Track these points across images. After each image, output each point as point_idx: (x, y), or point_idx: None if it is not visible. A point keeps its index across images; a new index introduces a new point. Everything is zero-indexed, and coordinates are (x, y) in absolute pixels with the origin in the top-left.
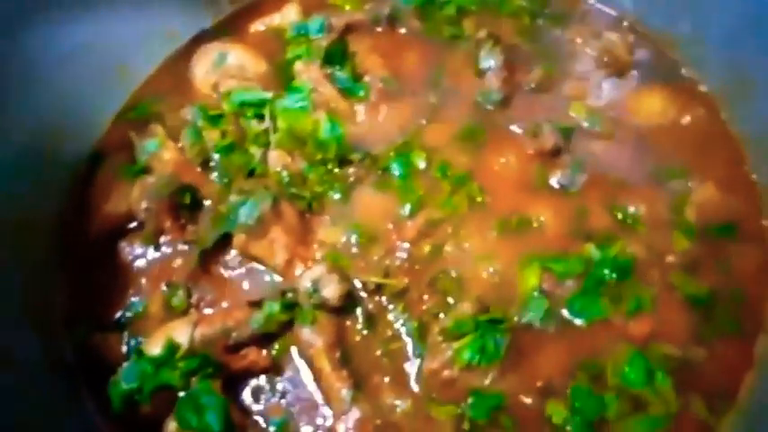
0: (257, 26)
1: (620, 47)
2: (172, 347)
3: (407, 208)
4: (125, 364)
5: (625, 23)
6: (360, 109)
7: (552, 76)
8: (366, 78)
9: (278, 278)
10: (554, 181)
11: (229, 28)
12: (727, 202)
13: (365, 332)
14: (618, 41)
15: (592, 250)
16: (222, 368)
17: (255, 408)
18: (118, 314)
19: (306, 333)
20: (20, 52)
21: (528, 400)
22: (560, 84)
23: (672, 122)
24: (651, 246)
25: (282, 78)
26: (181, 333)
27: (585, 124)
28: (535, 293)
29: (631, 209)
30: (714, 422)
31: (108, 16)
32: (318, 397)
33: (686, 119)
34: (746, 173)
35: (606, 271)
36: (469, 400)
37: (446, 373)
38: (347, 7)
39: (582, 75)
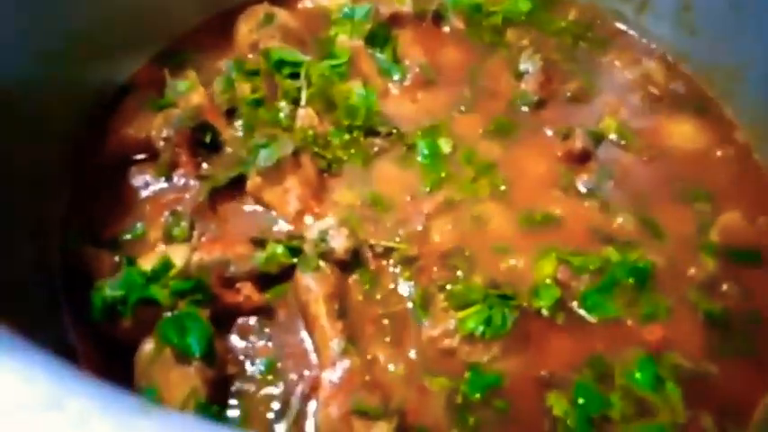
0: (306, 3)
1: (659, 74)
2: (166, 264)
3: (428, 185)
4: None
5: (665, 55)
6: (393, 90)
7: (588, 91)
8: (404, 63)
9: (286, 227)
10: (580, 184)
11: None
12: (752, 230)
13: (368, 293)
14: (657, 69)
15: (611, 252)
16: (214, 299)
17: (240, 345)
18: (115, 233)
19: (306, 278)
20: None
21: (528, 387)
22: (595, 98)
23: (701, 152)
24: (672, 258)
25: (322, 50)
26: (178, 254)
27: (616, 138)
28: (548, 281)
29: (656, 220)
30: None
31: None
32: (308, 346)
33: (717, 152)
34: None
35: (624, 274)
36: (466, 375)
37: (446, 341)
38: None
39: (617, 94)
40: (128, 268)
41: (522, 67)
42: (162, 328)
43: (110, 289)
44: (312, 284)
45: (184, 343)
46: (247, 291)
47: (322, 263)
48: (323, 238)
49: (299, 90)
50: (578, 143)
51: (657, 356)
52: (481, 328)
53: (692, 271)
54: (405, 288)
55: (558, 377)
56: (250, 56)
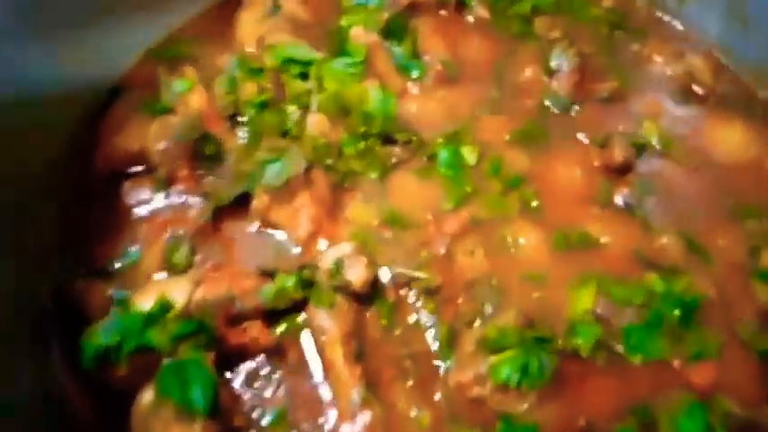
0: None
1: (704, 72)
2: (165, 305)
3: (451, 201)
4: (107, 317)
5: (712, 49)
6: (413, 89)
7: (626, 90)
8: (425, 58)
9: (296, 252)
10: (619, 199)
11: None
12: None
13: (387, 328)
14: (702, 65)
15: (655, 281)
16: (218, 341)
17: (247, 393)
18: (108, 261)
19: (321, 317)
20: None
21: None
22: (634, 99)
23: (752, 162)
24: (721, 287)
25: (334, 45)
26: (178, 290)
27: (657, 146)
28: (587, 317)
29: (702, 241)
30: None
31: None
32: (324, 392)
33: None
34: None
35: (670, 307)
36: (498, 426)
37: (476, 389)
38: None
39: (657, 94)
40: (122, 312)
41: (555, 63)
42: (161, 379)
43: (103, 336)
44: (328, 324)
45: (187, 397)
46: (255, 332)
47: (337, 296)
48: (338, 268)
49: (309, 93)
50: (619, 154)
51: (707, 402)
52: (516, 377)
53: (743, 302)
54: (427, 323)
55: (598, 427)
56: (253, 50)
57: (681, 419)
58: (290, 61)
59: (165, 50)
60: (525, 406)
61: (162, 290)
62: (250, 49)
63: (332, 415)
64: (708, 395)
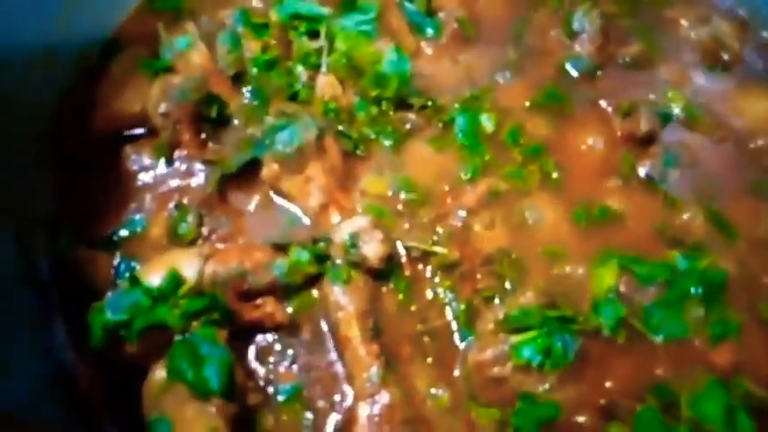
0: None
1: (731, 37)
2: (175, 280)
3: (468, 172)
4: (113, 291)
5: (740, 12)
6: (427, 49)
7: (650, 55)
8: (439, 15)
9: (307, 224)
10: (641, 172)
11: None
12: None
13: (404, 304)
14: (729, 31)
15: (677, 258)
16: (231, 317)
17: (260, 369)
18: (111, 230)
19: (336, 293)
20: None
21: (586, 419)
22: (658, 65)
23: None
24: (744, 263)
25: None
26: (188, 265)
27: (682, 115)
28: (610, 295)
29: (726, 216)
30: None
31: None
32: (338, 369)
33: None
34: None
35: (693, 284)
36: (517, 405)
37: (496, 369)
38: None
39: (683, 59)
40: (131, 288)
41: (577, 24)
42: (173, 358)
43: (111, 312)
44: (343, 300)
45: (201, 377)
46: (270, 307)
47: (353, 272)
48: (354, 242)
49: (318, 53)
50: (644, 125)
51: (728, 382)
52: (539, 359)
53: (766, 280)
54: (445, 299)
55: (620, 406)
56: (257, 3)
57: (701, 399)
58: (296, 17)
59: (161, 2)
60: (546, 386)
61: (171, 263)
62: (254, 2)
63: (348, 392)
64: (728, 375)
